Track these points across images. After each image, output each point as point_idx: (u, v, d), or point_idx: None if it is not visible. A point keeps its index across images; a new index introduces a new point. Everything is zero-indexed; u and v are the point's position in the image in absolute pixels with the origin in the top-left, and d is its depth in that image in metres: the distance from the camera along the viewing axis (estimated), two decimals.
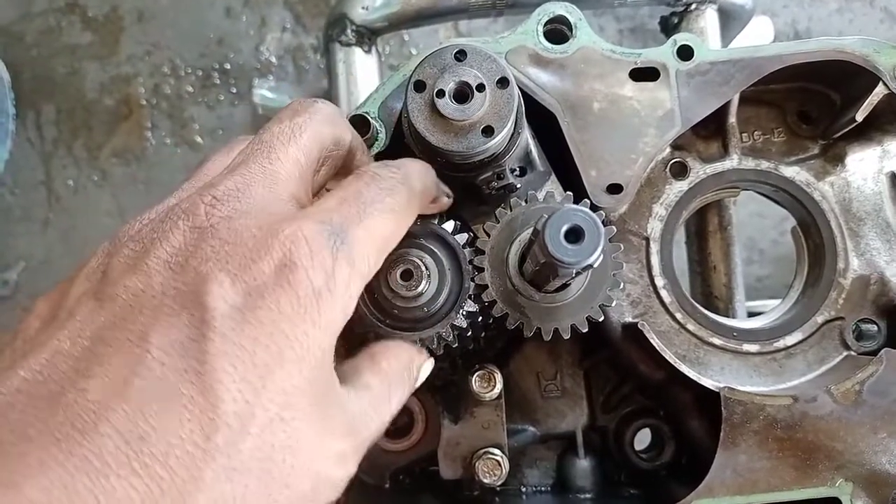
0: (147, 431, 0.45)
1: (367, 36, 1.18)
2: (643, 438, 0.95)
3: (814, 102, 0.88)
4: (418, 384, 0.70)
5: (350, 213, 0.56)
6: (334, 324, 0.54)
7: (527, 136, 0.75)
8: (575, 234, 0.58)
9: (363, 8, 1.17)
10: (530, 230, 0.71)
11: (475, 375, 0.81)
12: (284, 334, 0.50)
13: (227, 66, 2.26)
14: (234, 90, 2.26)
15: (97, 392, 0.46)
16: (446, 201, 0.73)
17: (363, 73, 1.19)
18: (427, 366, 0.71)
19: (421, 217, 0.71)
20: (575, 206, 0.60)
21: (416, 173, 0.65)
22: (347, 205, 0.57)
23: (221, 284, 0.49)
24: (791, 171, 0.86)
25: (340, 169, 0.66)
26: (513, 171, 0.75)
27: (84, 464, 0.43)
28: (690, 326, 0.84)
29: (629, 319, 0.83)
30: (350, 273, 0.54)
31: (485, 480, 0.81)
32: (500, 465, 0.81)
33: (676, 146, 0.86)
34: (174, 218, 0.53)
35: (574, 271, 0.62)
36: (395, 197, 0.60)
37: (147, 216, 0.56)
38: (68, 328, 0.49)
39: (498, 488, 0.85)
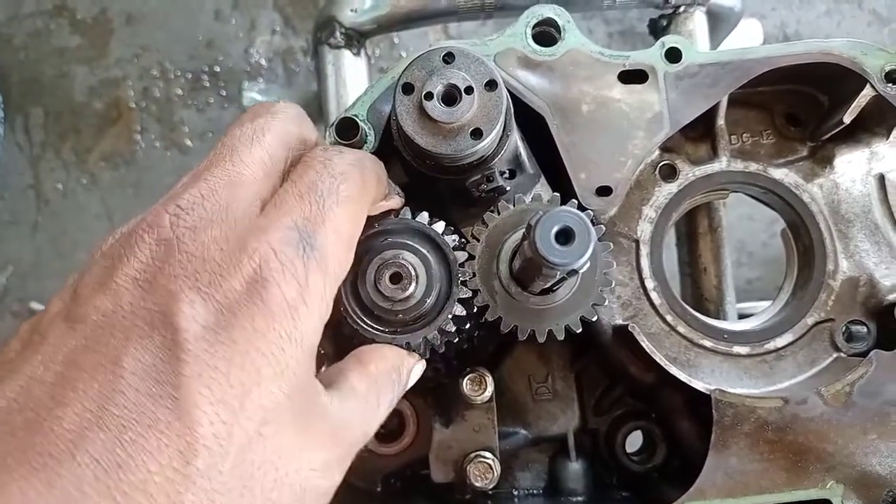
0: (125, 459, 0.44)
1: (356, 38, 1.18)
2: (634, 441, 0.95)
3: (802, 104, 0.88)
4: (409, 386, 0.69)
5: (312, 213, 0.55)
6: (312, 334, 0.53)
7: (516, 139, 0.75)
8: (565, 236, 0.57)
9: (352, 10, 1.16)
10: (520, 234, 0.71)
11: (466, 378, 0.81)
12: (260, 352, 0.49)
13: (217, 69, 2.26)
14: (224, 93, 2.25)
15: (73, 420, 0.45)
16: (398, 200, 0.71)
17: (352, 76, 1.18)
18: (418, 368, 0.70)
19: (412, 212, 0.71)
20: (568, 207, 0.59)
21: (366, 158, 0.64)
22: (306, 202, 0.55)
23: (192, 304, 0.49)
24: (780, 173, 0.87)
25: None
26: (502, 173, 0.75)
27: (64, 495, 0.43)
28: (681, 328, 0.84)
29: (619, 322, 0.83)
30: (324, 280, 0.54)
31: (476, 484, 0.80)
32: (491, 468, 0.81)
33: (665, 148, 0.86)
34: (140, 232, 0.52)
35: (558, 274, 0.62)
36: (349, 183, 0.59)
37: (120, 230, 0.55)
38: (41, 353, 0.49)
39: (490, 492, 0.85)
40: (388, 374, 0.64)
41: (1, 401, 0.47)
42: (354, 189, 0.59)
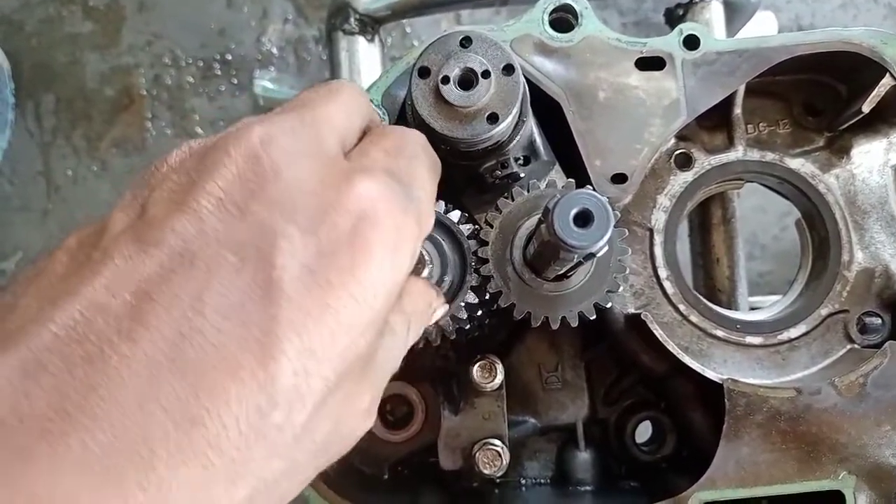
0: (200, 414, 0.39)
1: (371, 25, 1.17)
2: (644, 431, 0.94)
3: (820, 94, 0.88)
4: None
5: (402, 169, 0.52)
6: (399, 286, 0.49)
7: (531, 125, 0.75)
8: (584, 218, 0.57)
9: None
10: (534, 219, 0.70)
11: (476, 365, 0.81)
12: (354, 299, 0.45)
13: (229, 57, 2.25)
14: (235, 81, 2.25)
15: (142, 361, 0.39)
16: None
17: (366, 63, 1.18)
18: (441, 311, 0.67)
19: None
20: (586, 190, 0.59)
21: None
22: (393, 158, 0.52)
23: (292, 239, 0.43)
24: (796, 163, 0.86)
25: None
26: (517, 159, 0.74)
27: (129, 451, 0.38)
28: (693, 318, 0.83)
29: (632, 310, 0.83)
30: (418, 233, 0.51)
31: (485, 471, 0.80)
32: (500, 455, 0.80)
33: (681, 137, 0.86)
34: (222, 144, 0.46)
35: (575, 258, 0.62)
36: (430, 153, 0.58)
37: (189, 145, 0.48)
38: (105, 275, 0.42)
39: (498, 480, 0.85)
40: (421, 312, 0.59)
41: (57, 328, 0.40)
42: (433, 158, 0.58)
